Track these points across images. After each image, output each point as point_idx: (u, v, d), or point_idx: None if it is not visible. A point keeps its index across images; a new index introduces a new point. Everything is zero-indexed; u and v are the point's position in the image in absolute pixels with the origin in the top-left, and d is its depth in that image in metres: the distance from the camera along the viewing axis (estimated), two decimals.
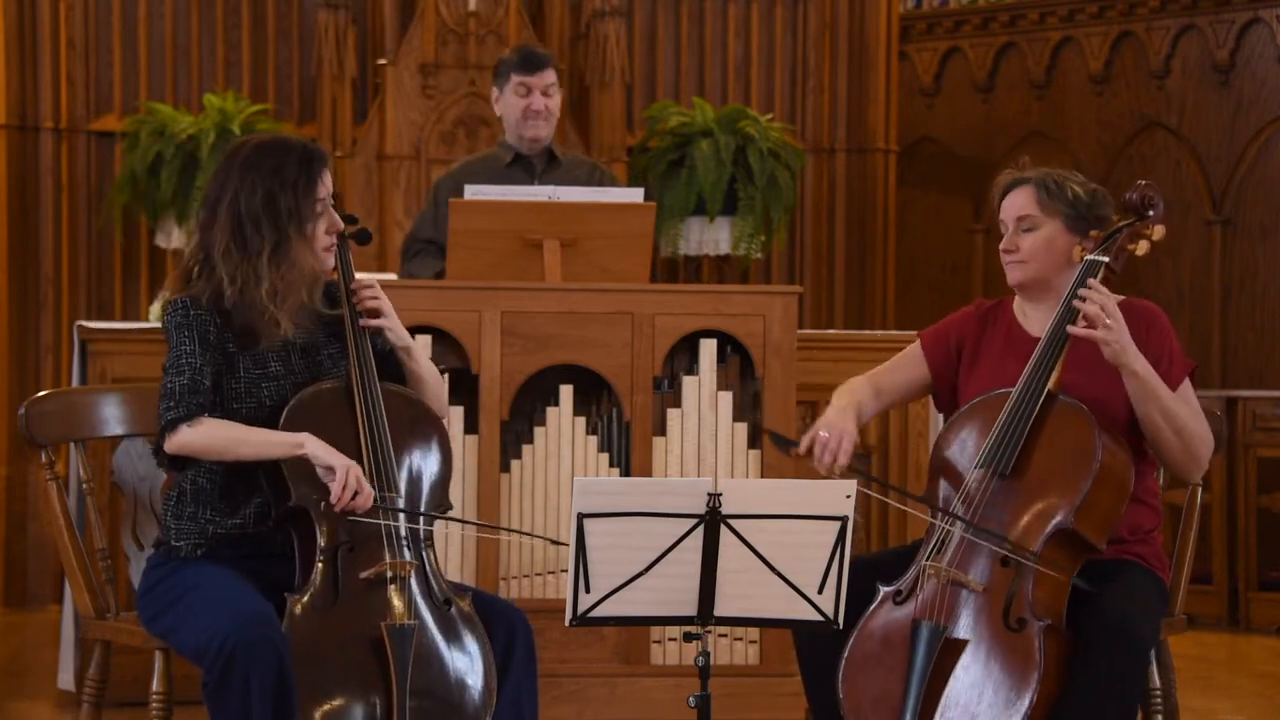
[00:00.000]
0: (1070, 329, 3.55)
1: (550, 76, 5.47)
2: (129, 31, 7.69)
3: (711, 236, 7.68)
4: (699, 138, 7.59)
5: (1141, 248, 3.64)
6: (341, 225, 3.58)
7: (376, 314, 3.61)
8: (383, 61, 7.58)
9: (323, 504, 3.39)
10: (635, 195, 5.14)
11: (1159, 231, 3.64)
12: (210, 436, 3.43)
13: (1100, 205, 3.71)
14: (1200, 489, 3.97)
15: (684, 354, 4.77)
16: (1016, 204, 3.72)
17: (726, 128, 7.60)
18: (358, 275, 3.65)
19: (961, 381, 3.79)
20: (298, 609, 3.35)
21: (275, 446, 3.43)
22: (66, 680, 5.16)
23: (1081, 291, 3.55)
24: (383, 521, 3.43)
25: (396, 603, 3.37)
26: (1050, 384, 3.56)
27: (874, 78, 8.17)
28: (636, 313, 4.71)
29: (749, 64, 8.16)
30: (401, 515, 3.47)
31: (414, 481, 3.54)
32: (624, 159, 7.70)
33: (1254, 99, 7.74)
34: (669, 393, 4.76)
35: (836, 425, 3.63)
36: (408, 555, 3.44)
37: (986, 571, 3.45)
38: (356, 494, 3.38)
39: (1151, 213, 3.64)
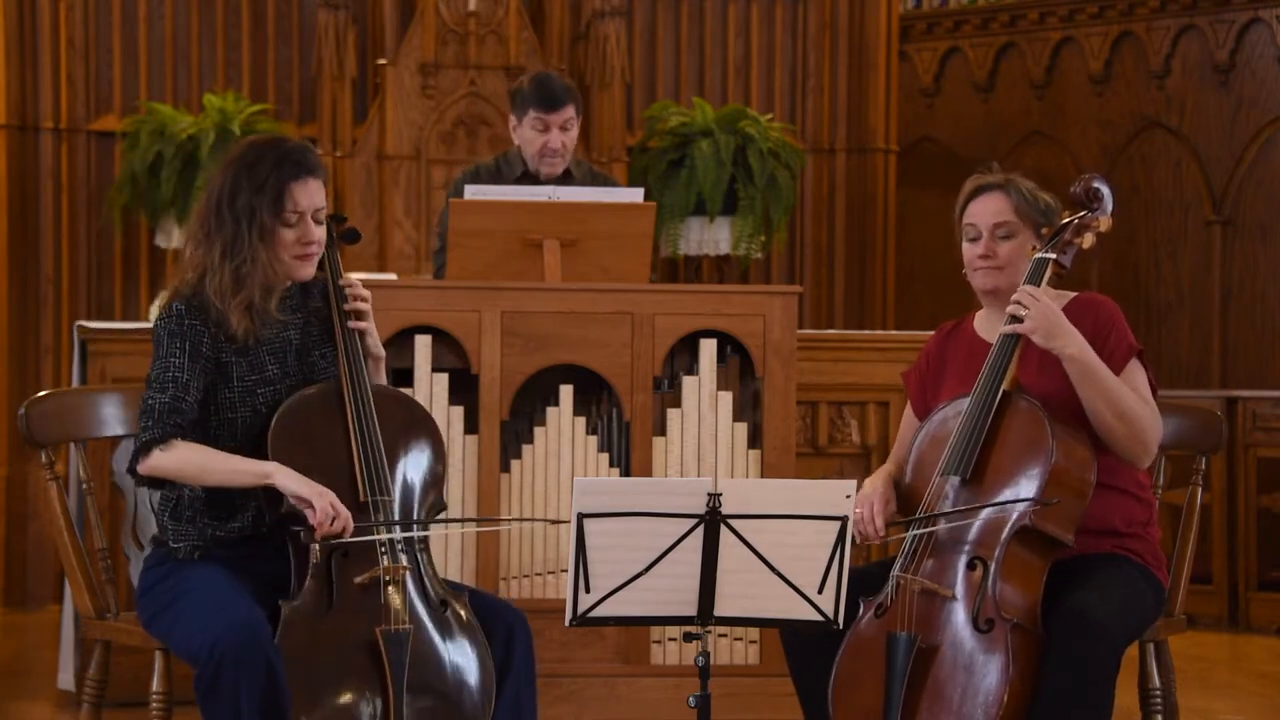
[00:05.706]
0: (1001, 329, 3.55)
1: (569, 112, 5.34)
2: (129, 31, 7.69)
3: (711, 236, 7.69)
4: (699, 138, 7.59)
5: (1088, 241, 3.62)
6: (314, 238, 3.49)
7: (362, 317, 3.58)
8: (383, 61, 7.58)
9: (301, 534, 3.33)
10: (635, 195, 5.14)
11: (1105, 223, 3.62)
12: (181, 462, 3.37)
13: (1054, 215, 3.71)
14: (1200, 489, 3.97)
15: (684, 354, 4.77)
16: (992, 208, 3.69)
17: (726, 128, 7.60)
18: (347, 275, 3.62)
19: (931, 402, 3.78)
20: (293, 616, 3.33)
21: (242, 475, 3.38)
22: (66, 680, 5.16)
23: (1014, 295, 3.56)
24: (376, 538, 3.39)
25: (391, 607, 3.35)
26: (1005, 384, 3.55)
27: (874, 78, 8.17)
28: (636, 313, 4.71)
29: (749, 64, 8.15)
30: (396, 528, 3.42)
31: (407, 483, 3.52)
32: (624, 159, 7.70)
33: (1254, 99, 7.74)
34: (669, 393, 4.76)
35: (865, 497, 3.61)
36: (402, 559, 3.41)
37: (955, 577, 3.45)
38: (334, 519, 3.32)
39: (1096, 205, 3.63)
